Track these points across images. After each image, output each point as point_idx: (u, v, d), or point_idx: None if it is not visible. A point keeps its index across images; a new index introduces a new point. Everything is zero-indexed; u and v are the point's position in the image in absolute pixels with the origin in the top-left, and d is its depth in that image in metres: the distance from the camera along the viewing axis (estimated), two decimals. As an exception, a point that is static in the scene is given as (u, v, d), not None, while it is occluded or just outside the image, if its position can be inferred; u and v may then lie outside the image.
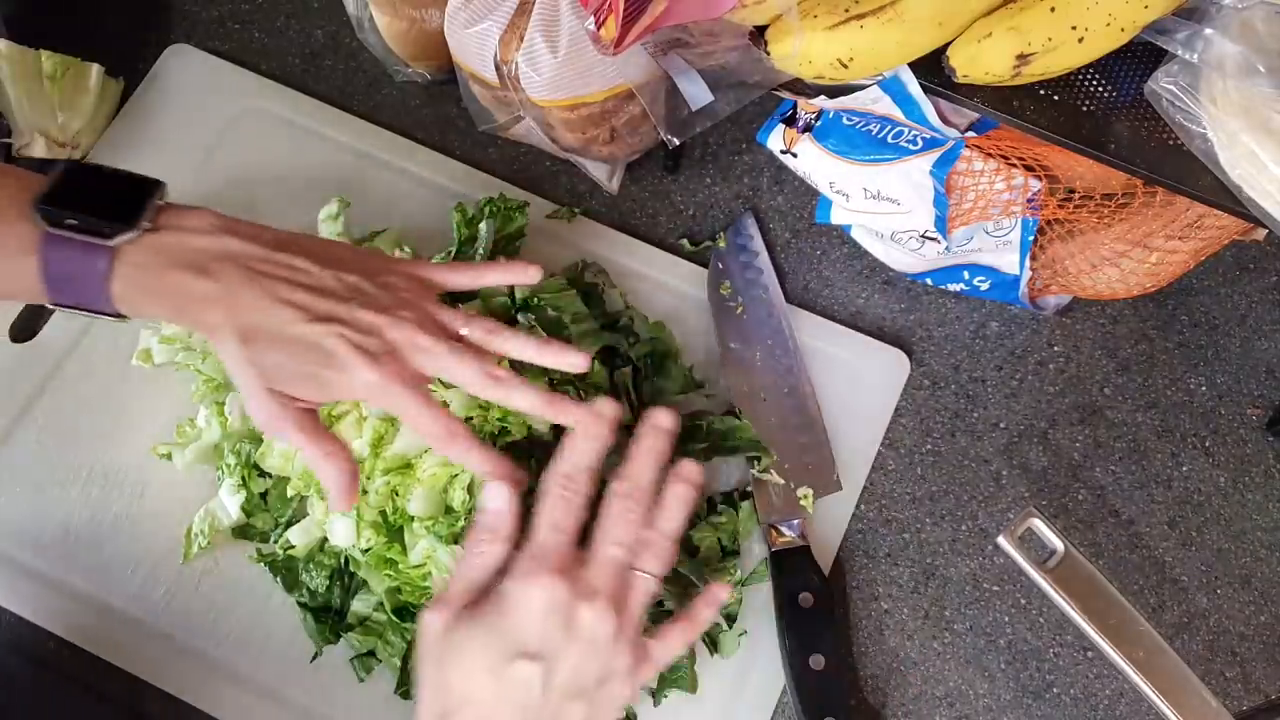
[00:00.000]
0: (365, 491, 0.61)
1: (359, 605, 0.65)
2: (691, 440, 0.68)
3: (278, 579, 0.66)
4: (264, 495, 0.67)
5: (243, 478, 0.66)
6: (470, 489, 0.60)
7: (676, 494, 0.55)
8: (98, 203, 0.54)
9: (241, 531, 0.67)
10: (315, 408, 0.56)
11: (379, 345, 0.54)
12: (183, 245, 0.55)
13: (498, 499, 0.54)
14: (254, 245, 0.56)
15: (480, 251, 0.71)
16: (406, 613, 0.63)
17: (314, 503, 0.64)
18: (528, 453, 0.62)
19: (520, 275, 0.61)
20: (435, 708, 0.51)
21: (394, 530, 0.62)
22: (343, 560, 0.65)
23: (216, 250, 0.55)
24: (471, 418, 0.62)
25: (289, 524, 0.65)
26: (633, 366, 0.69)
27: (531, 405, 0.56)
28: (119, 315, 0.55)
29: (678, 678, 0.64)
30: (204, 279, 0.54)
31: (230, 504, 0.67)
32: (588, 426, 0.55)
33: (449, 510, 0.61)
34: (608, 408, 0.56)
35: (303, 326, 0.54)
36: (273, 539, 0.66)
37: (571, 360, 0.58)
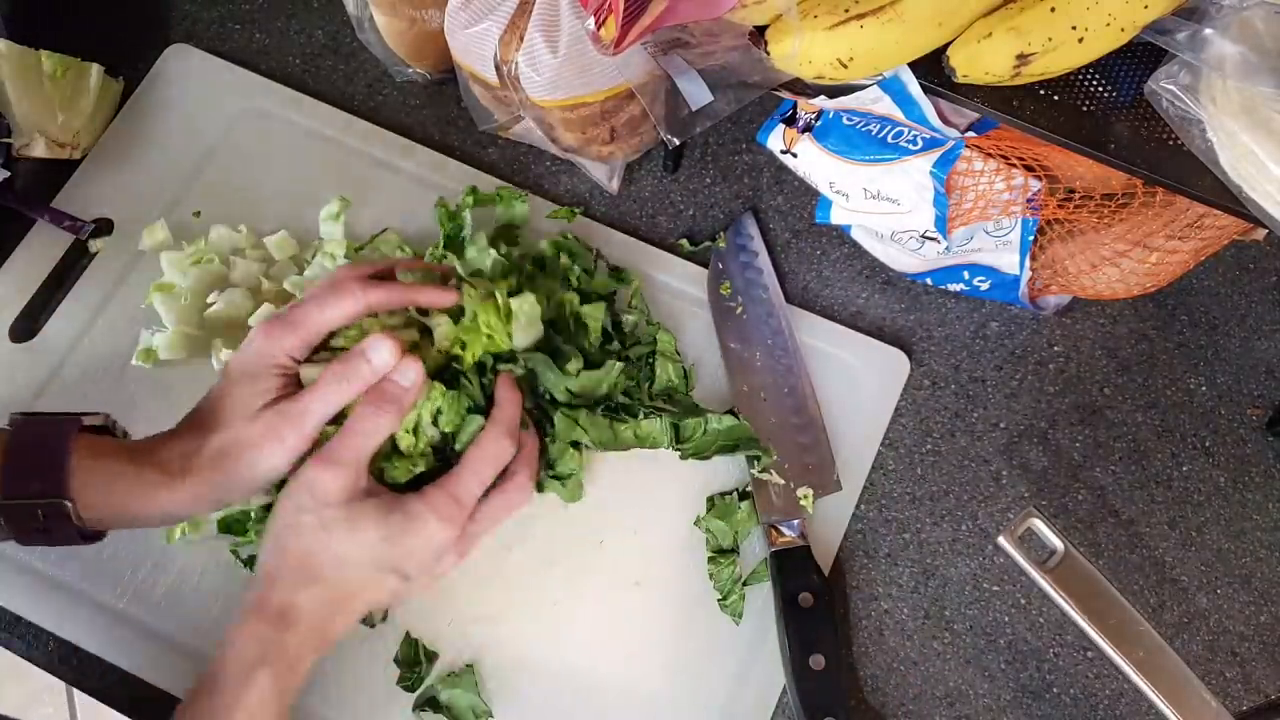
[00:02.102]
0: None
1: None
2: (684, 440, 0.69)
3: None
4: None
5: None
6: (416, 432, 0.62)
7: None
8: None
9: (225, 525, 0.67)
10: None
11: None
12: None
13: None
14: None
15: (469, 240, 0.72)
16: None
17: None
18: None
19: (438, 298, 0.63)
20: (292, 561, 0.57)
21: None
22: None
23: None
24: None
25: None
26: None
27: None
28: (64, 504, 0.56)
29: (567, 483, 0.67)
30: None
31: None
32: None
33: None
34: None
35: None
36: (251, 531, 0.66)
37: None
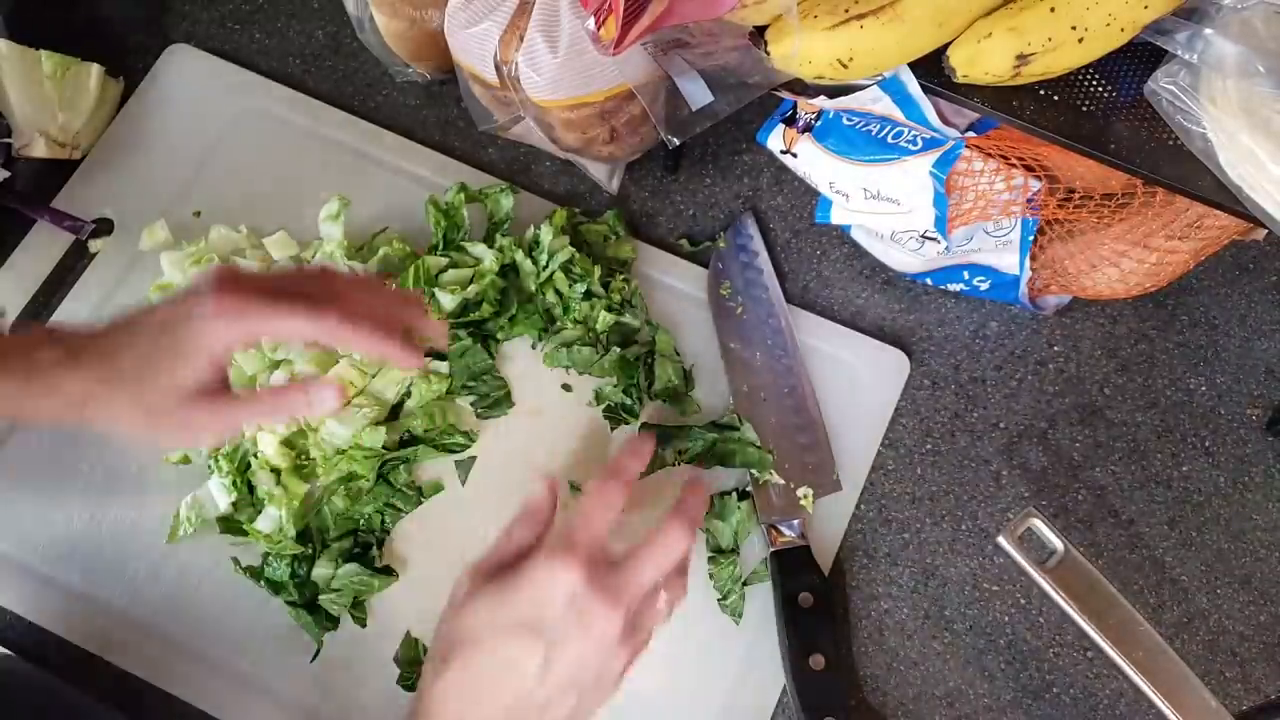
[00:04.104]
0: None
1: (318, 572, 0.66)
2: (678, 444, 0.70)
3: (261, 583, 0.66)
4: (251, 490, 0.68)
5: (234, 480, 0.67)
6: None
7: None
8: None
9: (226, 524, 0.67)
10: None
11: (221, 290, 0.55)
12: (33, 338, 0.56)
13: (541, 495, 0.58)
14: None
15: (469, 237, 0.74)
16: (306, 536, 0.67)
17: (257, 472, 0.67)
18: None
19: (318, 401, 0.59)
20: (435, 651, 0.53)
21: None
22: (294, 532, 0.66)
23: (71, 334, 0.56)
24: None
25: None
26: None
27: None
28: None
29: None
30: (51, 347, 0.55)
31: (219, 497, 0.68)
32: (636, 445, 0.60)
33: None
34: (648, 442, 0.61)
35: (143, 320, 0.56)
36: (249, 530, 0.67)
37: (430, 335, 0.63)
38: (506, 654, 0.51)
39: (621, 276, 0.74)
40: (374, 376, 0.69)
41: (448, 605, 0.54)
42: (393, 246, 0.74)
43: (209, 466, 0.68)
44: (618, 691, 0.54)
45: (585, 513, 0.54)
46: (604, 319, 0.71)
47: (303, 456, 0.68)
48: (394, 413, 0.70)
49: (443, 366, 0.70)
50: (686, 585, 0.57)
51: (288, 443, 0.68)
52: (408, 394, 0.69)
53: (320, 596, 0.65)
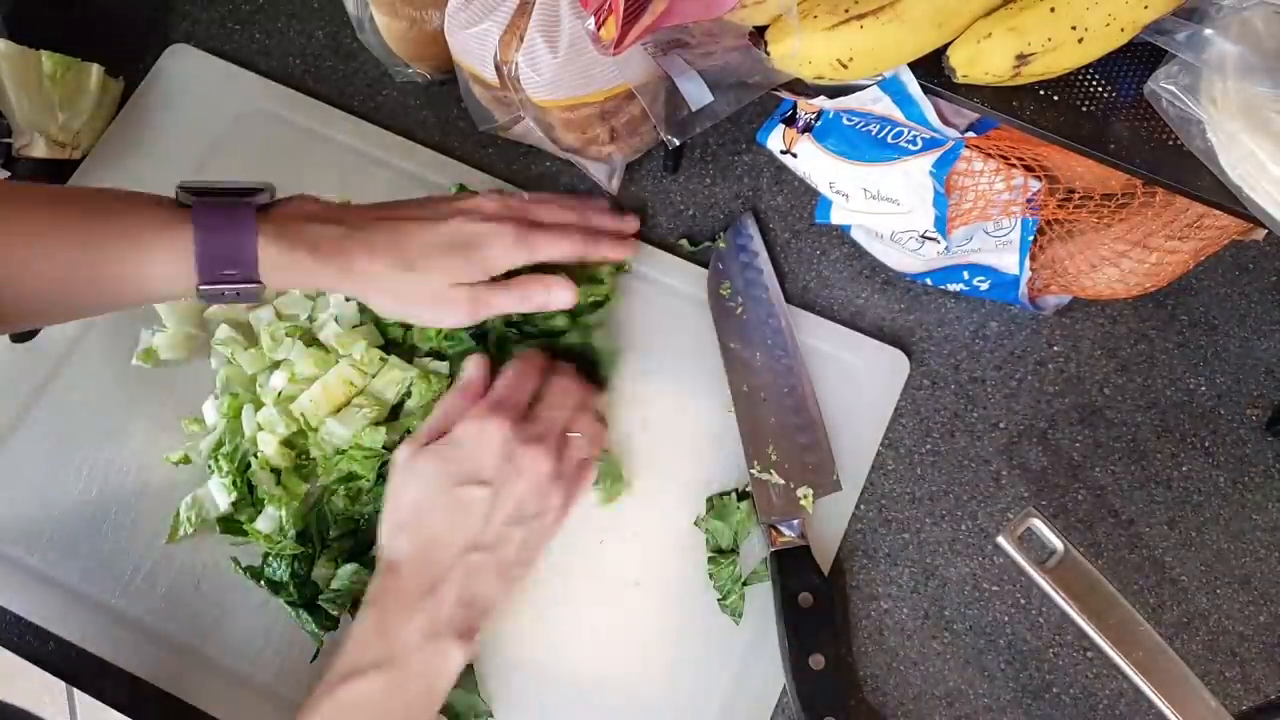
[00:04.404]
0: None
1: (318, 572, 0.66)
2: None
3: (261, 584, 0.66)
4: (251, 490, 0.68)
5: (234, 480, 0.67)
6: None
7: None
8: (224, 189, 0.62)
9: (226, 524, 0.67)
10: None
11: (497, 218, 0.68)
12: (306, 209, 0.63)
13: (477, 367, 0.67)
14: (359, 208, 0.67)
15: None
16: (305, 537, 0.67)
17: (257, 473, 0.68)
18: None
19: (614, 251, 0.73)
20: (392, 520, 0.61)
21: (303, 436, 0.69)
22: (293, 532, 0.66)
23: (336, 209, 0.65)
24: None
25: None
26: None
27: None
28: (257, 286, 0.61)
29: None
30: (334, 225, 0.63)
31: (219, 497, 0.68)
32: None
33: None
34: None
35: (435, 229, 0.66)
36: (249, 533, 0.67)
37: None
38: (455, 504, 0.60)
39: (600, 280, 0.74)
40: (374, 376, 0.69)
41: (391, 475, 0.63)
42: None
43: (209, 467, 0.68)
44: (560, 529, 0.65)
45: (510, 381, 0.65)
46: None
47: (303, 456, 0.68)
48: (394, 413, 0.70)
49: (443, 366, 0.70)
50: (595, 421, 0.67)
51: (288, 443, 0.68)
52: (408, 394, 0.69)
53: (320, 597, 0.65)
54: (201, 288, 0.60)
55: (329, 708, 0.56)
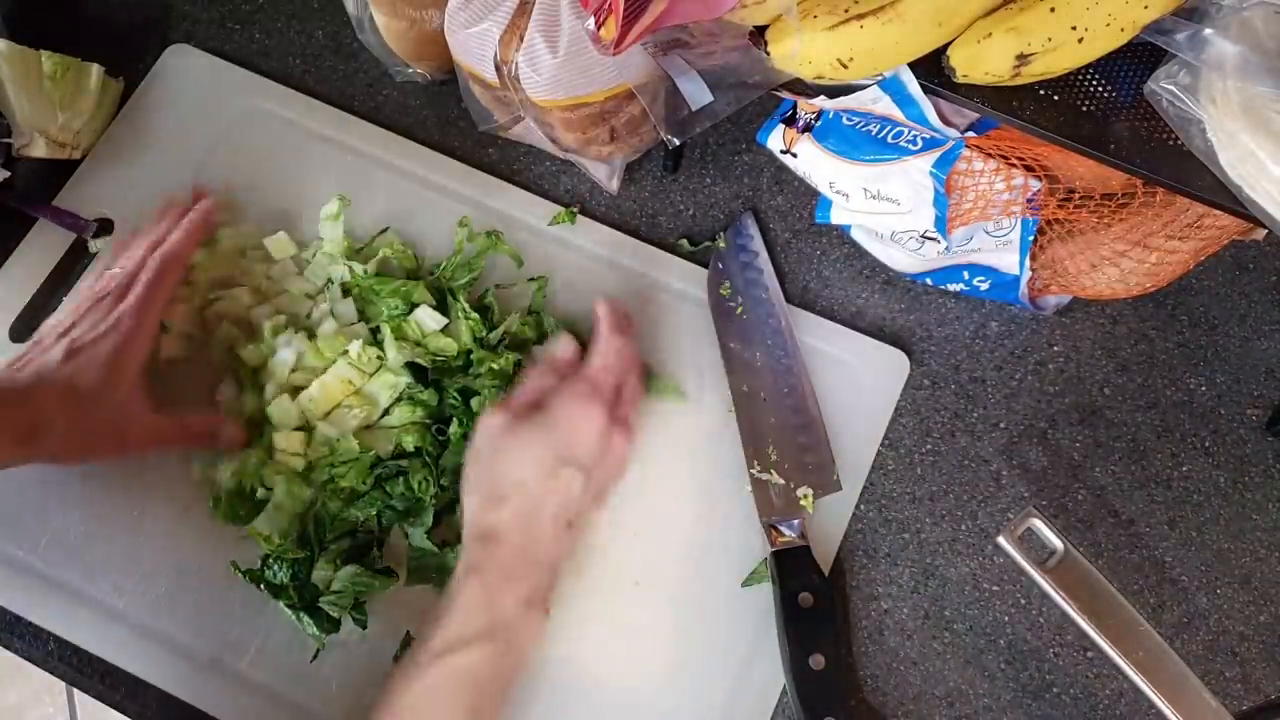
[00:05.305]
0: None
1: (318, 575, 0.66)
2: None
3: (262, 588, 0.66)
4: (252, 491, 0.68)
5: (238, 481, 0.67)
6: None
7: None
8: None
9: (229, 513, 0.67)
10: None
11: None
12: None
13: (568, 346, 0.69)
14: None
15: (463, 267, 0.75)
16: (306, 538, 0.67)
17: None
18: None
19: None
20: (484, 490, 0.62)
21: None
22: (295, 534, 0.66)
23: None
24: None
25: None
26: None
27: None
28: None
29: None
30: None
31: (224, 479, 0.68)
32: (609, 309, 0.69)
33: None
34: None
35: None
36: (248, 527, 0.67)
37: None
38: (557, 481, 0.62)
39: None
40: (373, 376, 0.69)
41: (480, 442, 0.63)
42: (392, 248, 0.74)
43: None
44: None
45: (605, 364, 0.66)
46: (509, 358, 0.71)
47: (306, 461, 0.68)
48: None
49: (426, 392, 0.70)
50: (640, 384, 0.70)
51: (295, 447, 0.68)
52: (398, 400, 0.69)
53: (321, 599, 0.65)
54: None
55: (436, 676, 0.56)
